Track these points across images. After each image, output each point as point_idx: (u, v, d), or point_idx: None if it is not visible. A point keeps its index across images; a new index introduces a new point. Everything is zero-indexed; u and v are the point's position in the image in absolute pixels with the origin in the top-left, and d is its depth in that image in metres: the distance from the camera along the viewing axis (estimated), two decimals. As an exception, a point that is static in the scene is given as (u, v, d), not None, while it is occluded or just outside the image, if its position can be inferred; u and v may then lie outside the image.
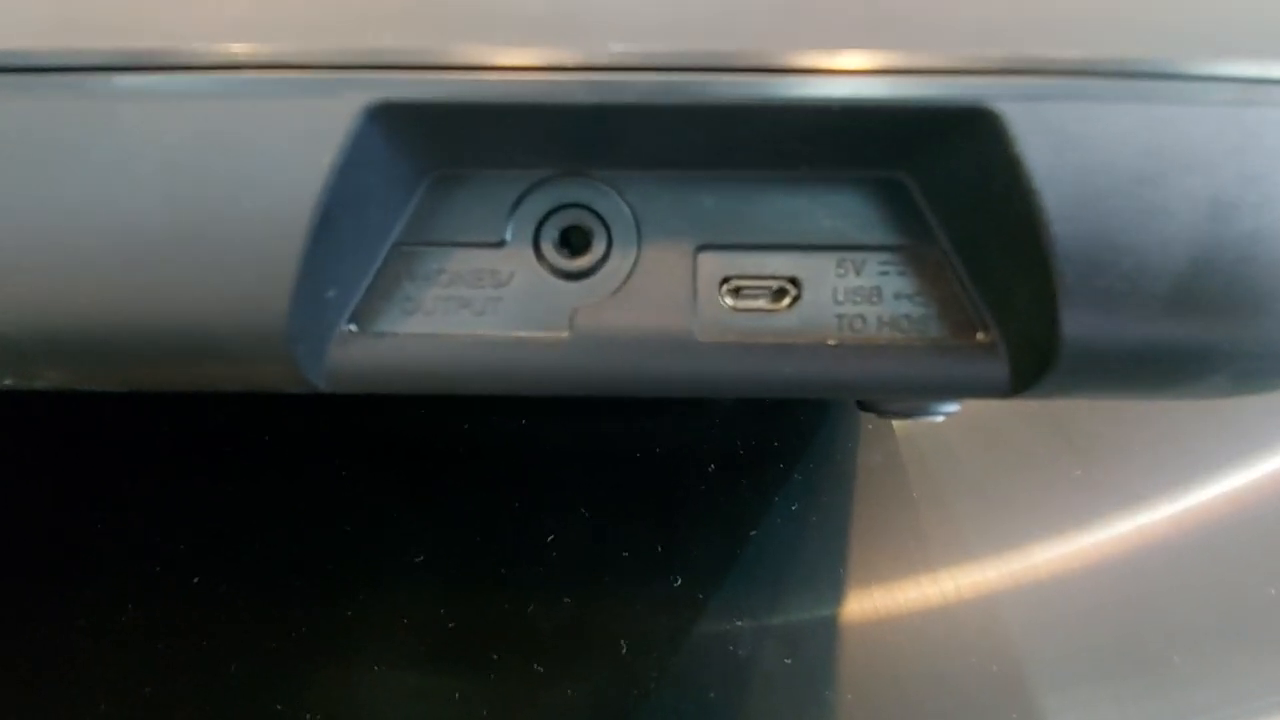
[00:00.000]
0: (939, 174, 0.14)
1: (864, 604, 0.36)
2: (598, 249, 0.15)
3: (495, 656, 0.34)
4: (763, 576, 0.36)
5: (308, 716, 0.33)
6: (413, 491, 0.37)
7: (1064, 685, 0.34)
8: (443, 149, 0.14)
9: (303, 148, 0.12)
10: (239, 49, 0.12)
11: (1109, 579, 0.36)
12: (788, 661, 0.35)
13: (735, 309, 0.16)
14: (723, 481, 0.38)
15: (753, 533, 0.37)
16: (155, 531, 0.35)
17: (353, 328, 0.15)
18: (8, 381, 0.16)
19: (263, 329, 0.13)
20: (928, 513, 0.38)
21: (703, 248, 0.15)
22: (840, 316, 0.16)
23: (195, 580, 0.34)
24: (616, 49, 0.12)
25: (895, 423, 0.39)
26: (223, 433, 0.36)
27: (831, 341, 0.15)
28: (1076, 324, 0.13)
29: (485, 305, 0.15)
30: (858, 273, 0.15)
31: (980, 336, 0.15)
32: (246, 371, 0.15)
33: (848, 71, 0.12)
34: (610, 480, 0.38)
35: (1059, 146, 0.12)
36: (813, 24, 0.12)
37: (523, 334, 0.15)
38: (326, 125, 0.12)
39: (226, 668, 0.33)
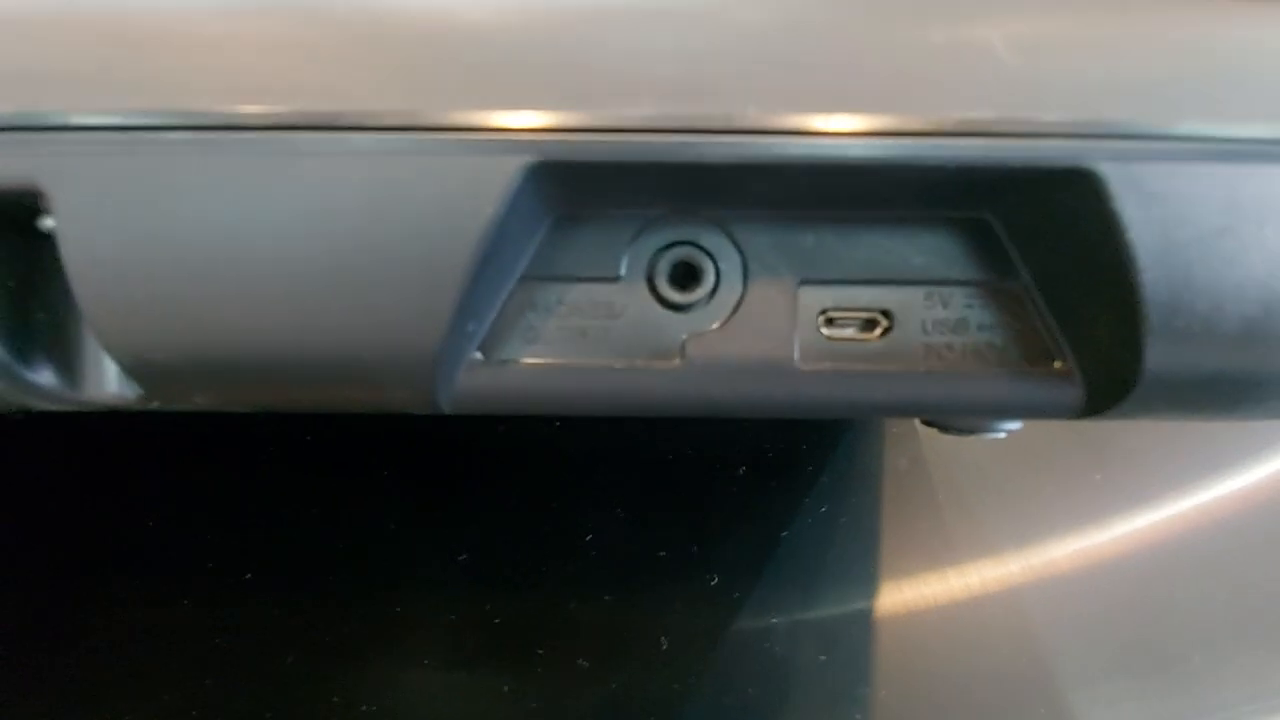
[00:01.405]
0: (1025, 218, 0.16)
1: (894, 602, 0.37)
2: (707, 283, 0.17)
3: (541, 652, 0.36)
4: (795, 575, 0.37)
5: (364, 708, 0.35)
6: (455, 493, 0.38)
7: (1088, 682, 0.35)
8: (575, 196, 0.15)
9: (467, 201, 0.13)
10: (411, 110, 0.13)
11: (1130, 579, 0.37)
12: (823, 658, 0.36)
13: (832, 339, 0.17)
14: (754, 483, 0.39)
15: (784, 533, 0.38)
16: (212, 530, 0.36)
17: (479, 356, 0.16)
18: (154, 405, 0.17)
19: (414, 362, 0.14)
20: (952, 515, 0.39)
21: (804, 282, 0.17)
22: (928, 345, 0.17)
23: (248, 577, 0.36)
24: (752, 113, 0.13)
25: (920, 428, 0.40)
26: (277, 436, 0.37)
27: (920, 369, 0.17)
28: (1157, 358, 0.15)
29: (601, 335, 0.17)
30: (945, 305, 0.17)
31: (1058, 365, 0.17)
32: (385, 397, 0.16)
33: (957, 134, 0.13)
34: (644, 482, 0.39)
35: (1150, 203, 0.14)
36: (922, 87, 0.13)
37: (636, 362, 0.17)
38: (489, 182, 0.13)
39: (283, 660, 0.35)
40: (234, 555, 0.35)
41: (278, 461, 0.37)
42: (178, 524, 0.36)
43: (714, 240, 0.17)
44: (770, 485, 0.40)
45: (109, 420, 0.36)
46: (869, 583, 0.38)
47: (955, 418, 0.22)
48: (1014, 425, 0.21)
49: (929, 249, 0.17)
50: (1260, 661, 0.35)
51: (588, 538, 0.38)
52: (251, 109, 0.13)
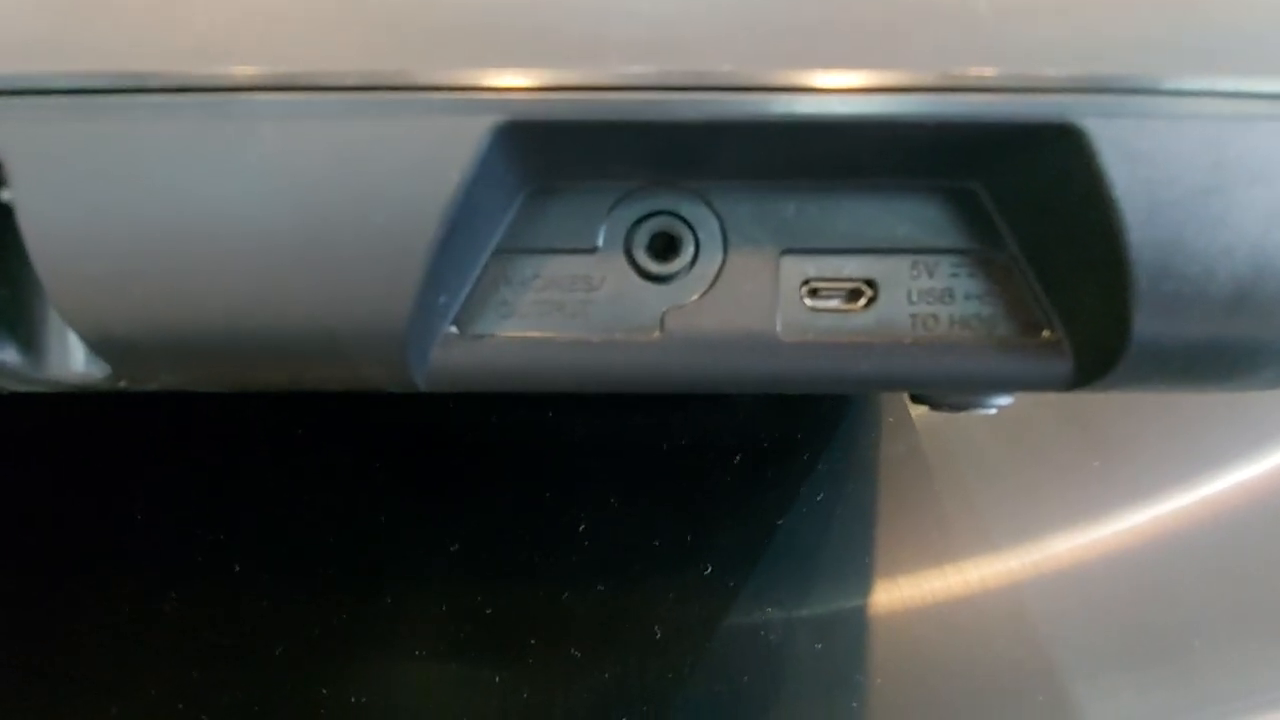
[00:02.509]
0: (1010, 183, 0.15)
1: (891, 592, 0.37)
2: (686, 254, 0.16)
3: (533, 642, 0.35)
4: (791, 565, 0.37)
5: (353, 700, 0.34)
6: (447, 483, 0.37)
7: (1088, 672, 0.35)
8: (550, 162, 0.15)
9: (432, 165, 0.13)
10: (373, 71, 0.13)
11: (1129, 569, 0.37)
12: (818, 647, 0.36)
13: (815, 309, 0.17)
14: (748, 472, 0.39)
15: (779, 522, 0.38)
16: (199, 522, 0.35)
17: (454, 330, 0.16)
18: (122, 384, 0.16)
19: (383, 334, 0.14)
20: (950, 503, 0.39)
21: (785, 252, 0.16)
22: (914, 316, 0.17)
23: (237, 569, 0.35)
24: (726, 69, 0.13)
25: (916, 415, 0.40)
26: (263, 424, 0.37)
27: (906, 340, 0.16)
28: (1146, 325, 0.14)
29: (578, 308, 0.16)
30: (930, 275, 0.16)
31: (1046, 334, 0.16)
32: (357, 373, 0.15)
33: (940, 89, 0.13)
34: (638, 471, 0.39)
35: (1136, 160, 0.13)
36: (905, 44, 0.13)
37: (615, 336, 0.16)
38: (456, 144, 0.13)
39: (271, 653, 0.34)
40: (222, 547, 0.35)
41: (265, 452, 0.37)
42: (164, 516, 0.36)
43: (693, 210, 0.16)
44: (766, 474, 0.39)
45: (93, 411, 0.36)
46: (865, 572, 0.38)
47: (943, 391, 0.21)
48: (1004, 401, 0.21)
49: (914, 217, 0.16)
50: (1261, 652, 0.35)
51: (581, 527, 0.37)
52: (210, 70, 0.13)
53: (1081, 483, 0.39)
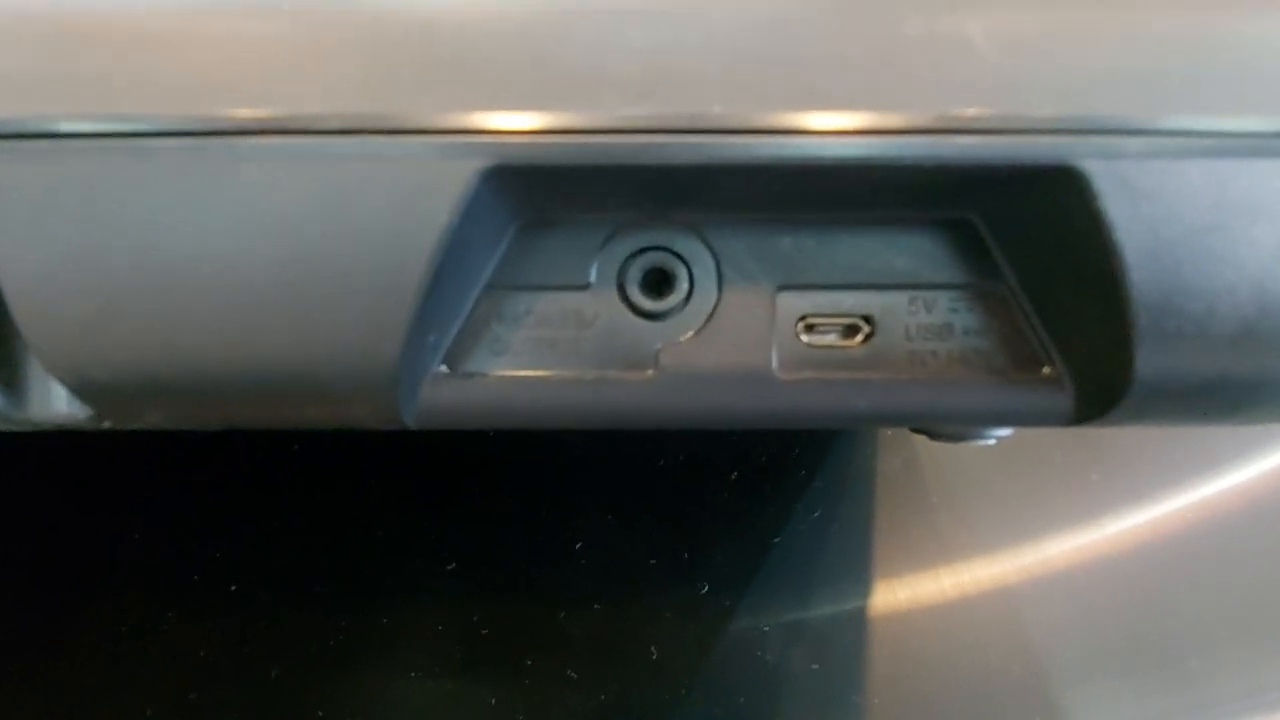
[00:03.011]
0: (1009, 218, 0.15)
1: (889, 608, 0.37)
2: (680, 290, 0.16)
3: (529, 662, 0.35)
4: (787, 583, 0.37)
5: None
6: (443, 501, 0.37)
7: (1085, 682, 0.35)
8: (539, 201, 0.15)
9: (420, 207, 0.13)
10: (358, 114, 0.12)
11: (1125, 579, 0.37)
12: (815, 666, 0.36)
13: (812, 346, 0.16)
14: (744, 489, 0.39)
15: (775, 539, 0.38)
16: (197, 541, 0.35)
17: (444, 369, 0.16)
18: (106, 424, 0.16)
19: (372, 375, 0.14)
20: (946, 517, 0.39)
21: (782, 288, 0.16)
22: (912, 352, 0.16)
23: (233, 588, 0.35)
24: (718, 111, 0.12)
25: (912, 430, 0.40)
26: (258, 444, 0.37)
27: (904, 376, 0.16)
28: (1148, 363, 0.14)
29: (571, 346, 0.16)
30: (928, 310, 0.16)
31: (1046, 370, 0.16)
32: (345, 412, 0.15)
33: (938, 130, 0.13)
34: (634, 488, 0.38)
35: (1137, 200, 0.13)
36: (902, 84, 0.13)
37: (608, 373, 0.16)
38: (443, 187, 0.12)
39: (267, 673, 0.34)
40: (219, 566, 0.35)
41: (262, 471, 0.37)
42: (162, 535, 0.35)
43: (687, 245, 0.16)
44: (761, 491, 0.39)
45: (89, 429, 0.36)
46: (862, 589, 0.37)
47: (941, 425, 0.21)
48: (1004, 432, 0.21)
49: (911, 251, 0.16)
50: (1256, 659, 0.35)
51: (576, 546, 0.37)
52: (186, 112, 0.12)
53: (1078, 494, 0.39)
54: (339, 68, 0.13)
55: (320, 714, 0.34)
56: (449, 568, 0.36)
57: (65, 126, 0.13)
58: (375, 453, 0.37)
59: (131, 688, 0.33)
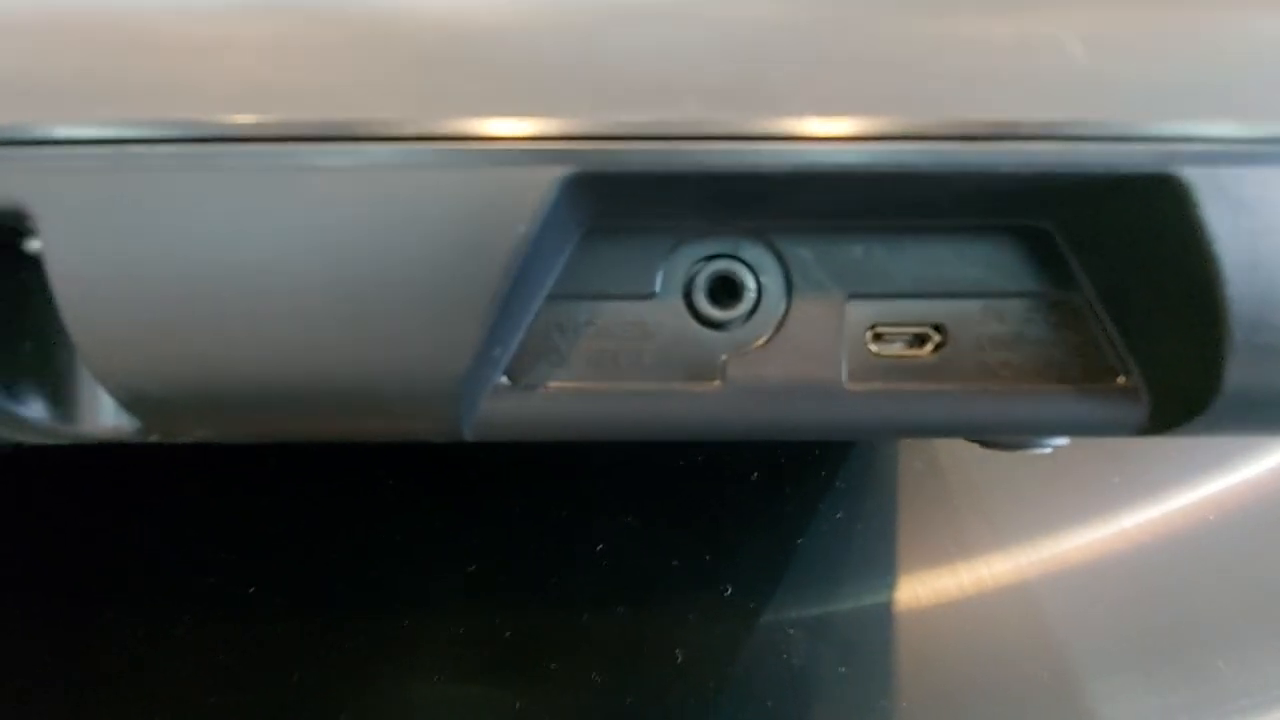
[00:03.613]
0: (1090, 226, 0.15)
1: (911, 608, 0.37)
2: (748, 299, 0.15)
3: (553, 666, 0.35)
4: (812, 585, 0.37)
5: (371, 726, 0.34)
6: (464, 504, 0.37)
7: (1106, 675, 0.35)
8: (612, 209, 0.14)
9: (498, 217, 0.12)
10: (434, 119, 0.12)
11: (1144, 575, 0.37)
12: (842, 670, 0.35)
13: (881, 355, 0.16)
14: (767, 490, 0.38)
15: (799, 541, 0.37)
16: (216, 545, 0.35)
17: (505, 381, 0.15)
18: (154, 437, 0.16)
19: (437, 389, 0.13)
20: (970, 518, 0.39)
21: (851, 296, 0.16)
22: (983, 362, 0.16)
23: (253, 592, 0.35)
24: (806, 117, 0.12)
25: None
26: (282, 449, 0.36)
27: (975, 387, 0.16)
28: (1237, 375, 0.14)
29: (634, 356, 0.16)
30: (1001, 320, 0.16)
31: (1121, 380, 0.16)
32: (403, 427, 0.15)
33: (1037, 137, 0.12)
34: (656, 490, 0.38)
35: (1238, 210, 0.12)
36: (998, 90, 0.12)
37: (672, 385, 0.15)
38: (523, 197, 0.12)
39: (289, 677, 0.34)
40: (239, 570, 0.35)
41: (282, 474, 0.37)
42: (182, 540, 0.35)
43: (755, 253, 0.15)
44: (784, 492, 0.39)
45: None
46: (886, 588, 0.37)
47: (1012, 436, 0.20)
48: (1062, 441, 0.20)
49: (984, 260, 0.15)
50: (1272, 650, 0.35)
51: (599, 548, 0.37)
52: (250, 118, 0.12)
53: (1097, 496, 0.39)
54: (412, 71, 0.12)
55: (342, 717, 0.34)
56: (470, 570, 0.36)
57: (123, 133, 0.12)
58: (396, 457, 0.37)
59: (152, 691, 0.33)
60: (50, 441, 0.15)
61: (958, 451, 0.40)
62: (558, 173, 0.12)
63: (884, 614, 0.36)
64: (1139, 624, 0.35)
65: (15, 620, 0.33)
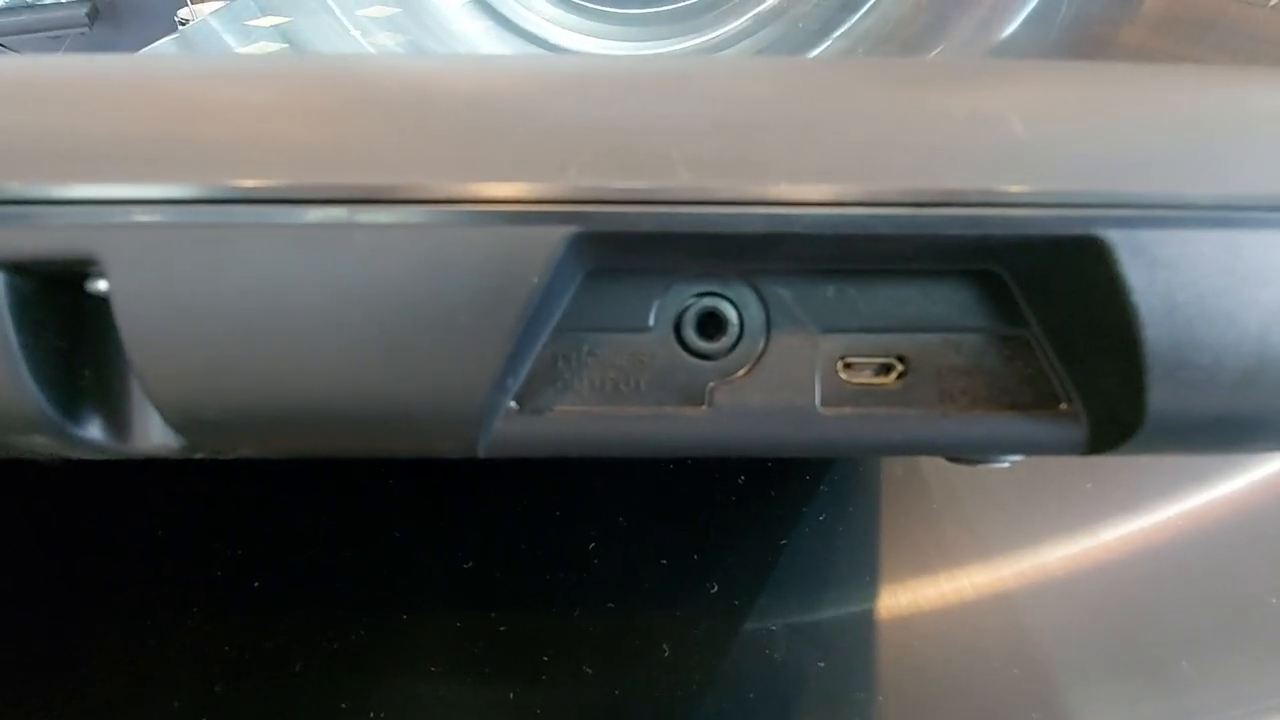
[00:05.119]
0: (1034, 274, 0.17)
1: (891, 609, 0.38)
2: (731, 333, 0.17)
3: (546, 659, 0.36)
4: (795, 583, 0.38)
5: (371, 715, 0.35)
6: (461, 503, 0.38)
7: (1081, 684, 0.36)
8: (614, 258, 0.16)
9: (514, 270, 0.14)
10: (463, 184, 0.14)
11: (1120, 586, 0.38)
12: (821, 664, 0.37)
13: (851, 383, 0.18)
14: (753, 494, 0.40)
15: (783, 541, 0.39)
16: (219, 538, 0.36)
17: (514, 405, 0.17)
18: (198, 454, 0.17)
19: (459, 415, 0.15)
20: (949, 523, 0.40)
21: (825, 330, 0.17)
22: (942, 389, 0.18)
23: (256, 585, 0.36)
24: (785, 187, 0.14)
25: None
26: (285, 453, 0.37)
27: (935, 410, 0.18)
28: (1159, 404, 0.16)
29: (631, 383, 0.17)
30: (959, 352, 0.18)
31: (1064, 406, 0.18)
32: (427, 445, 0.16)
33: (982, 204, 0.14)
34: (646, 491, 0.40)
35: (1154, 267, 0.14)
36: (954, 163, 0.14)
37: (664, 409, 0.17)
38: (536, 251, 0.14)
39: (291, 668, 0.35)
40: (241, 563, 0.36)
41: (284, 469, 0.38)
42: (184, 531, 0.36)
43: (739, 292, 0.17)
44: (770, 494, 0.40)
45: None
46: (868, 589, 0.39)
47: (965, 455, 0.22)
48: (1017, 457, 0.22)
49: (944, 299, 0.17)
50: (1251, 664, 0.36)
51: (591, 547, 0.38)
52: (301, 181, 0.14)
53: (1074, 503, 0.40)
54: (444, 142, 0.14)
55: (343, 706, 0.35)
56: (467, 566, 0.37)
57: (192, 194, 0.14)
58: (396, 459, 0.38)
59: (154, 682, 0.34)
60: (96, 457, 0.17)
61: (938, 460, 0.41)
62: (565, 231, 0.14)
63: (865, 614, 0.38)
64: (1115, 635, 0.36)
65: (16, 610, 0.34)
